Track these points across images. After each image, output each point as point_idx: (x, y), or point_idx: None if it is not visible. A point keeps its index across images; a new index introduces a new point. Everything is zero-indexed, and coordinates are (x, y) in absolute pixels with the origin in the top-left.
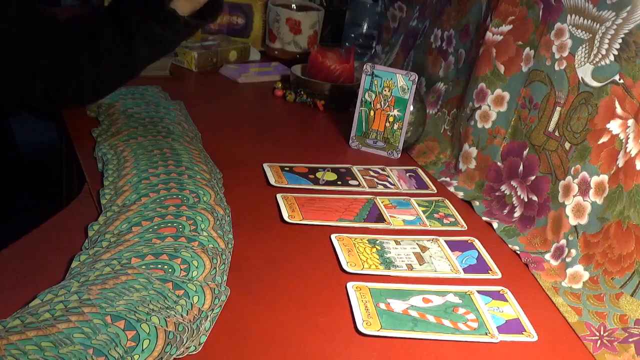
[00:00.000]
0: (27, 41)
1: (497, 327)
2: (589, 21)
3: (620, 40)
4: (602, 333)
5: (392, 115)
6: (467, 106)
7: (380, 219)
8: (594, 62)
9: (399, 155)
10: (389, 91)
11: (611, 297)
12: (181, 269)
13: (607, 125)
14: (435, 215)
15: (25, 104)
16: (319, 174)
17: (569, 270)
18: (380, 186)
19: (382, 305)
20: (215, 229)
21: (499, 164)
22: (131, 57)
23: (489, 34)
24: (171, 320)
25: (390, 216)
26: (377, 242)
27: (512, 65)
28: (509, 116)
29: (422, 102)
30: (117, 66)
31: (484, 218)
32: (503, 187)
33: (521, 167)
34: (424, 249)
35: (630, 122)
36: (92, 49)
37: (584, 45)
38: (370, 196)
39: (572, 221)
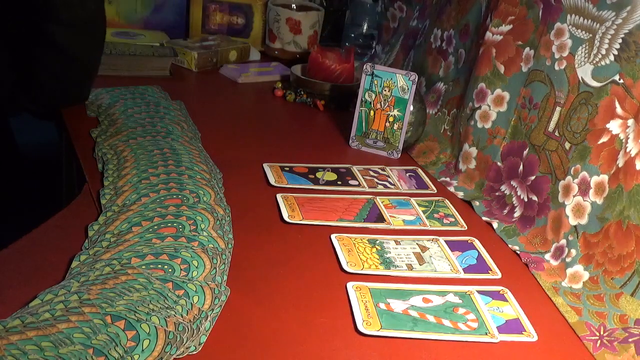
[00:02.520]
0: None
1: (497, 327)
2: (589, 21)
3: (620, 40)
4: (602, 333)
5: (392, 115)
6: (467, 106)
7: (380, 219)
8: (594, 62)
9: (399, 155)
10: (389, 91)
11: (611, 297)
12: (181, 269)
13: (607, 125)
14: (435, 215)
15: (20, 106)
16: (319, 174)
17: (569, 270)
18: (380, 186)
19: (382, 305)
20: (215, 229)
21: (499, 164)
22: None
23: (488, 34)
24: (171, 320)
25: (390, 216)
26: (377, 242)
27: (512, 65)
28: (509, 116)
29: (422, 102)
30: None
31: (484, 218)
32: (503, 187)
33: (521, 167)
34: (424, 249)
35: (630, 122)
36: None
37: (584, 45)
38: (370, 196)
39: (572, 221)
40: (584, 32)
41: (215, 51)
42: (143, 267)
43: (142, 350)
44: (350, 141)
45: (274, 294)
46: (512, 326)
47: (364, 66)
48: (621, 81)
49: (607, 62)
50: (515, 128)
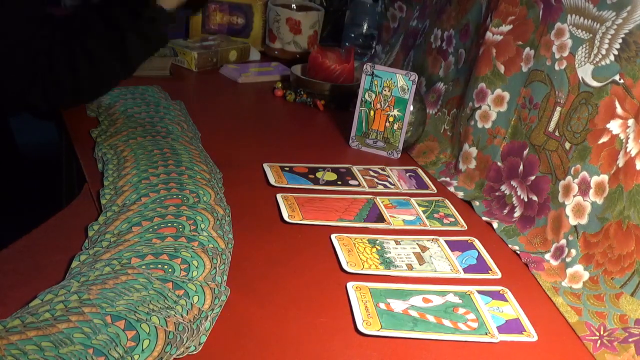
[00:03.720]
0: (26, 41)
1: (497, 327)
2: (589, 21)
3: (620, 40)
4: (602, 333)
5: (392, 115)
6: (467, 106)
7: (380, 219)
8: (594, 62)
9: (399, 155)
10: (389, 91)
11: (611, 297)
12: (181, 269)
13: (607, 125)
14: (435, 215)
15: (25, 104)
16: (319, 174)
17: (569, 270)
18: (380, 186)
19: (382, 305)
20: (215, 229)
21: (499, 164)
22: (124, 53)
23: (489, 34)
24: (171, 320)
25: (390, 216)
26: (377, 242)
27: (512, 65)
28: (509, 116)
29: (422, 102)
30: (112, 63)
31: (484, 218)
32: (503, 187)
33: (521, 167)
34: (424, 249)
35: (631, 122)
36: (85, 48)
37: (584, 45)
38: (370, 196)
39: (572, 221)
40: (584, 32)
41: (215, 51)
42: (143, 267)
43: (142, 350)
44: (350, 141)
45: (274, 294)
46: (512, 326)
47: (364, 66)
48: (621, 81)
49: (607, 62)
50: (516, 128)
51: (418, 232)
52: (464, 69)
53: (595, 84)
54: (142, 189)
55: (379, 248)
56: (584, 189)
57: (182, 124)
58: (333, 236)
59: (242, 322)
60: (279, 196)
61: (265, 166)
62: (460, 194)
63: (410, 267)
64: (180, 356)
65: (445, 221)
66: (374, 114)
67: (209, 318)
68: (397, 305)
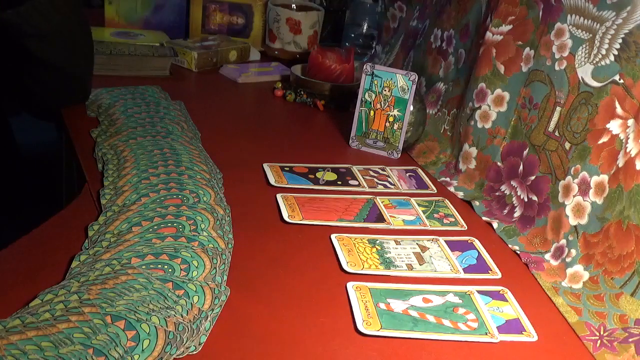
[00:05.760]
0: None
1: (497, 327)
2: (589, 21)
3: (620, 40)
4: (602, 333)
5: (392, 115)
6: (467, 106)
7: (380, 219)
8: (594, 62)
9: (399, 155)
10: (389, 91)
11: (611, 297)
12: (181, 269)
13: (607, 125)
14: (435, 215)
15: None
16: (319, 174)
17: (569, 270)
18: (380, 186)
19: (382, 305)
20: (215, 229)
21: (499, 164)
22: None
23: (489, 34)
24: (171, 320)
25: (390, 216)
26: (377, 242)
27: (512, 65)
28: (509, 116)
29: (422, 102)
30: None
31: (484, 218)
32: (503, 187)
33: (521, 167)
34: (424, 249)
35: (630, 122)
36: None
37: (584, 45)
38: (370, 196)
39: (572, 221)
40: (584, 32)
41: (215, 51)
42: (143, 267)
43: (142, 350)
44: (350, 141)
45: (274, 294)
46: (512, 326)
47: (364, 66)
48: (621, 81)
49: (607, 62)
50: (515, 128)
51: (418, 232)
52: (464, 69)
53: (595, 84)
54: (142, 189)
55: (379, 248)
56: (584, 189)
57: (182, 124)
58: (333, 236)
59: (242, 322)
60: (279, 196)
61: (265, 166)
62: (460, 194)
63: (410, 267)
64: (180, 356)
65: (445, 221)
66: (374, 114)
67: (209, 318)
68: (397, 305)
